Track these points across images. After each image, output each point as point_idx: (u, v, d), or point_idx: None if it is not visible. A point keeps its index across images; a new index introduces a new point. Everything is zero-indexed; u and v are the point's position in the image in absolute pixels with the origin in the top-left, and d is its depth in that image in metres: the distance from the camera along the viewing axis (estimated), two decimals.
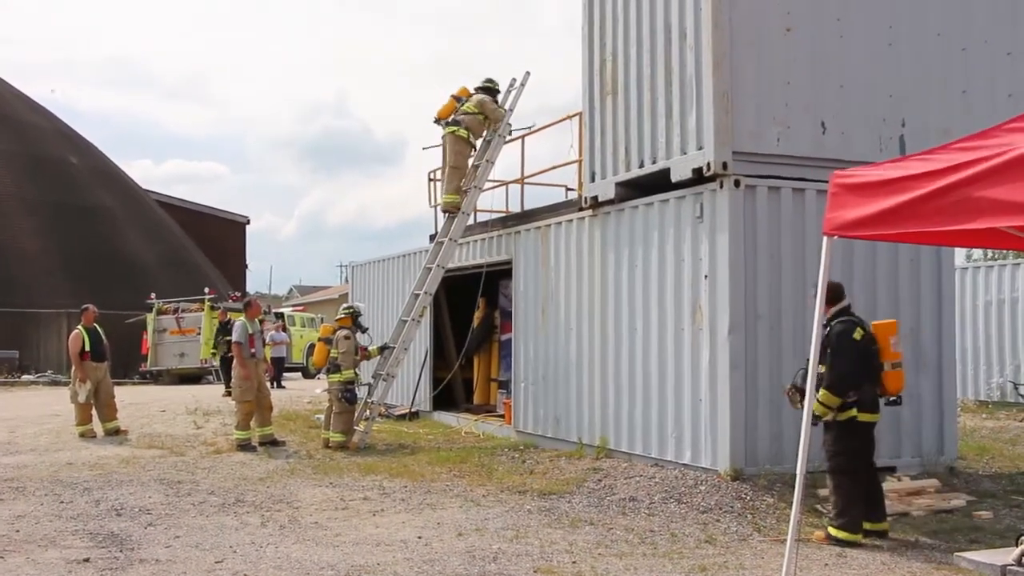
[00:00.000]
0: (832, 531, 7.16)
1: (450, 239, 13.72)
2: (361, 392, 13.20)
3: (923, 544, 7.23)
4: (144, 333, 26.88)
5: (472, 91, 14.35)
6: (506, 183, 15.25)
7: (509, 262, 13.55)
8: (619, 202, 10.76)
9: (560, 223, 12.21)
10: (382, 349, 13.42)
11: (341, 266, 70.38)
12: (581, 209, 11.61)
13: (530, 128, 14.45)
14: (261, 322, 13.75)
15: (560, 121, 13.33)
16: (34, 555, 6.79)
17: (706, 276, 9.29)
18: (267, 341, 16.56)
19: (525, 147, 14.40)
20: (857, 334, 7.14)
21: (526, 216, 13.70)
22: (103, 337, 13.59)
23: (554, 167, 13.82)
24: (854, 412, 7.13)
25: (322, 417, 13.36)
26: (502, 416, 14.34)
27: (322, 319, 29.55)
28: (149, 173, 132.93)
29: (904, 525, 7.80)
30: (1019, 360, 18.24)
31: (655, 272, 10.10)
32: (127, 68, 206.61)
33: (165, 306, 26.91)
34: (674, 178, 9.67)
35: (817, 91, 9.50)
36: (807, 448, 5.57)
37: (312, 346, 23.32)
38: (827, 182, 5.51)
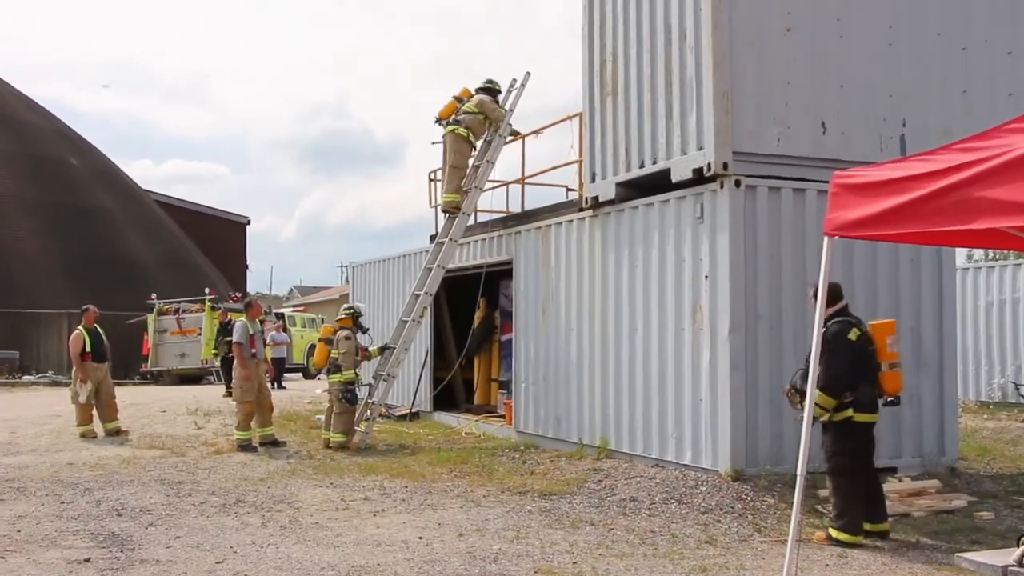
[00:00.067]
0: (833, 532, 7.16)
1: (450, 239, 13.72)
2: (361, 392, 13.20)
3: (924, 545, 7.23)
4: (145, 334, 26.89)
5: (473, 92, 14.36)
6: (506, 183, 15.25)
7: (509, 262, 13.56)
8: (619, 202, 10.76)
9: (560, 223, 12.21)
10: (382, 349, 13.42)
11: (341, 266, 70.46)
12: (581, 209, 11.62)
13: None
14: (262, 323, 13.76)
15: (560, 121, 13.34)
16: (35, 555, 6.79)
17: (706, 276, 9.29)
18: (268, 342, 16.57)
19: (525, 147, 14.43)
20: (853, 334, 7.13)
21: (526, 216, 13.70)
22: (104, 338, 13.60)
23: (554, 167, 13.83)
24: (850, 412, 7.13)
25: (323, 417, 13.36)
26: (502, 416, 14.34)
27: (322, 319, 29.55)
28: (149, 173, 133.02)
29: (905, 526, 7.80)
30: (1020, 360, 18.24)
31: (655, 272, 10.10)
32: (127, 69, 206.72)
33: (166, 307, 26.91)
34: (674, 178, 9.67)
35: (817, 91, 9.50)
36: (808, 448, 5.57)
37: (313, 346, 23.31)
38: (827, 182, 5.51)
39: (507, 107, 14.45)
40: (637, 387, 10.34)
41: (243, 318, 12.78)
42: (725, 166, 9.03)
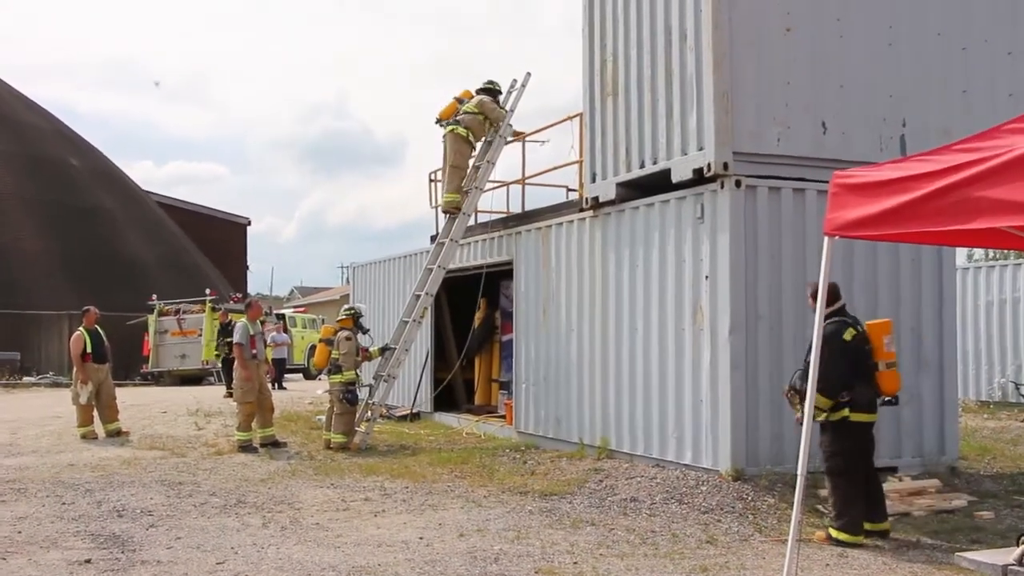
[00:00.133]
0: (833, 532, 7.16)
1: (451, 240, 13.73)
2: (362, 393, 13.21)
3: (924, 544, 7.23)
4: (145, 334, 26.88)
5: (474, 93, 14.38)
6: (507, 184, 15.26)
7: (510, 263, 13.56)
8: (620, 203, 10.77)
9: (561, 224, 12.21)
10: (383, 350, 13.42)
11: (342, 267, 70.48)
12: (582, 210, 11.62)
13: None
14: (262, 323, 13.76)
15: (561, 122, 13.35)
16: (36, 556, 6.79)
17: (707, 276, 9.30)
18: (268, 342, 16.57)
19: (526, 148, 14.44)
20: (848, 335, 7.14)
21: (527, 217, 13.71)
22: (104, 339, 13.61)
23: (555, 168, 13.84)
24: (846, 412, 7.13)
25: (323, 418, 13.37)
26: (503, 417, 14.34)
27: (323, 320, 29.55)
28: (151, 174, 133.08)
29: (905, 525, 7.80)
30: (1020, 360, 18.24)
31: (656, 272, 10.11)
32: (127, 69, 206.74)
33: (166, 307, 26.91)
34: (675, 178, 9.67)
35: (817, 91, 9.50)
36: (808, 448, 5.57)
37: (313, 347, 23.30)
38: (827, 182, 5.51)
39: (507, 107, 14.46)
40: (638, 387, 10.34)
41: (244, 319, 12.79)
42: (725, 166, 9.03)
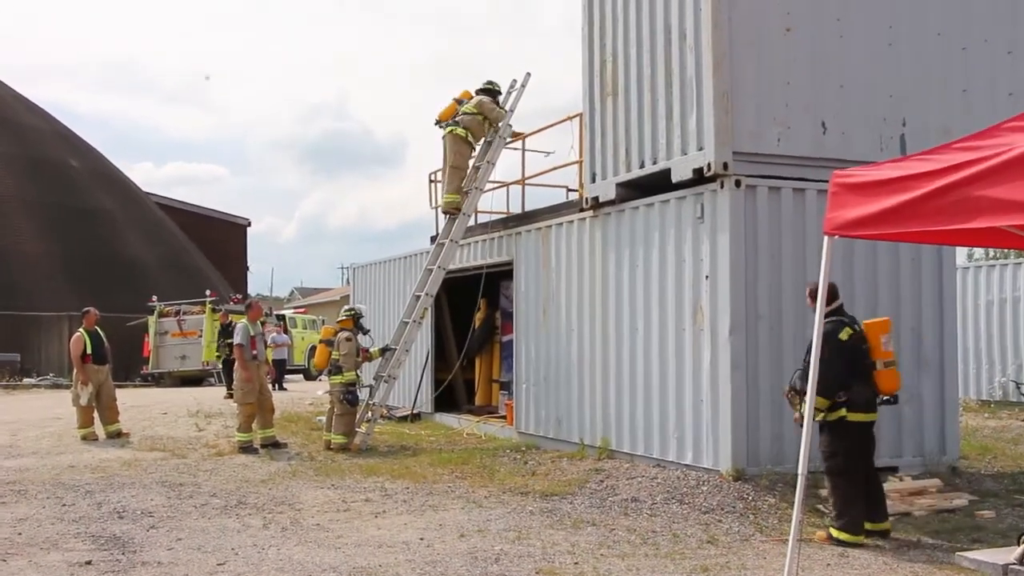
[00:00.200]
0: (834, 532, 7.16)
1: (451, 240, 13.73)
2: (362, 394, 13.21)
3: (925, 544, 7.23)
4: (145, 336, 26.88)
5: (474, 94, 14.38)
6: (507, 184, 15.26)
7: (510, 263, 13.56)
8: (620, 203, 10.77)
9: (561, 224, 12.21)
10: (383, 351, 13.42)
11: (342, 268, 70.51)
12: (582, 210, 11.62)
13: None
14: (263, 324, 13.76)
15: (561, 122, 13.35)
16: (36, 558, 6.79)
17: (707, 276, 9.30)
18: (269, 343, 16.57)
19: (526, 149, 14.43)
20: (844, 334, 7.13)
21: (527, 217, 13.71)
22: (104, 340, 13.61)
23: (555, 168, 13.84)
24: (843, 412, 7.12)
25: (324, 419, 13.37)
26: (504, 417, 14.34)
27: (323, 321, 29.56)
28: (151, 176, 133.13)
29: (906, 525, 7.80)
30: (1021, 359, 18.24)
31: (656, 273, 10.10)
32: (127, 70, 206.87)
33: (166, 308, 26.92)
34: (675, 178, 9.67)
35: (817, 91, 9.50)
36: (808, 448, 5.57)
37: (313, 348, 23.30)
38: (828, 182, 5.50)
39: (507, 108, 14.46)
40: (638, 387, 10.34)
41: (244, 320, 12.79)
42: (725, 166, 9.03)
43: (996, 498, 8.91)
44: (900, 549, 7.05)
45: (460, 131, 13.95)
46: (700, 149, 9.32)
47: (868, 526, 7.18)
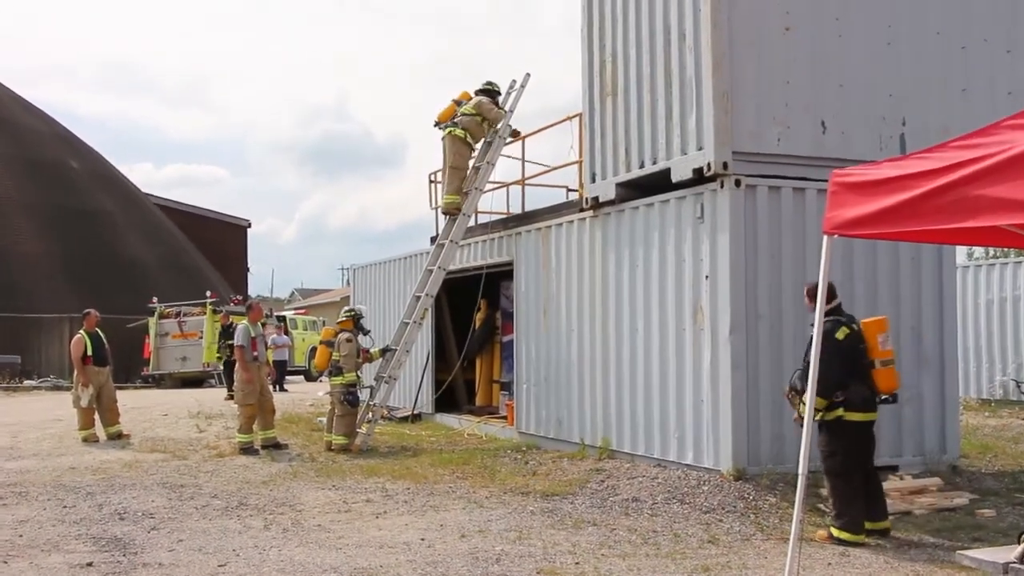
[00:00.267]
0: (834, 531, 7.16)
1: (451, 241, 13.73)
2: (363, 395, 13.21)
3: (925, 543, 7.23)
4: (146, 337, 26.87)
5: (473, 94, 14.39)
6: (507, 184, 15.27)
7: (510, 263, 13.57)
8: (620, 203, 10.77)
9: (561, 224, 12.22)
10: (384, 351, 13.42)
11: (342, 269, 70.43)
12: (582, 210, 11.62)
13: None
14: (263, 325, 13.76)
15: (560, 122, 13.36)
16: (37, 560, 6.80)
17: (707, 276, 9.30)
18: (269, 344, 16.57)
19: (525, 149, 14.45)
20: (840, 334, 7.12)
21: (527, 217, 13.71)
22: (105, 341, 13.62)
23: (555, 168, 13.84)
24: (840, 412, 7.12)
25: (324, 420, 13.37)
26: (504, 418, 14.34)
27: (324, 322, 29.56)
28: (150, 177, 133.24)
29: (907, 524, 7.80)
30: (1021, 358, 18.23)
31: (656, 272, 10.11)
32: (126, 70, 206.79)
33: (167, 310, 26.91)
34: (674, 178, 9.68)
35: (817, 91, 9.51)
36: (809, 447, 5.57)
37: (314, 349, 23.30)
38: (827, 181, 5.50)
39: (507, 108, 14.46)
40: (638, 387, 10.35)
41: (245, 321, 12.79)
42: (725, 166, 9.04)
43: (996, 497, 8.91)
44: (901, 548, 7.06)
45: (459, 132, 13.97)
46: (700, 149, 9.32)
47: (868, 525, 7.18)
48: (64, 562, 6.71)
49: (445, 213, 14.23)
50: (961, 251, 22.47)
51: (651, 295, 10.19)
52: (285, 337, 24.95)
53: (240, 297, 31.22)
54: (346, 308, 13.64)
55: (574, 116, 12.58)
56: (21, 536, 7.55)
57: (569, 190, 14.44)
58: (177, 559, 6.80)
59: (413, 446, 12.87)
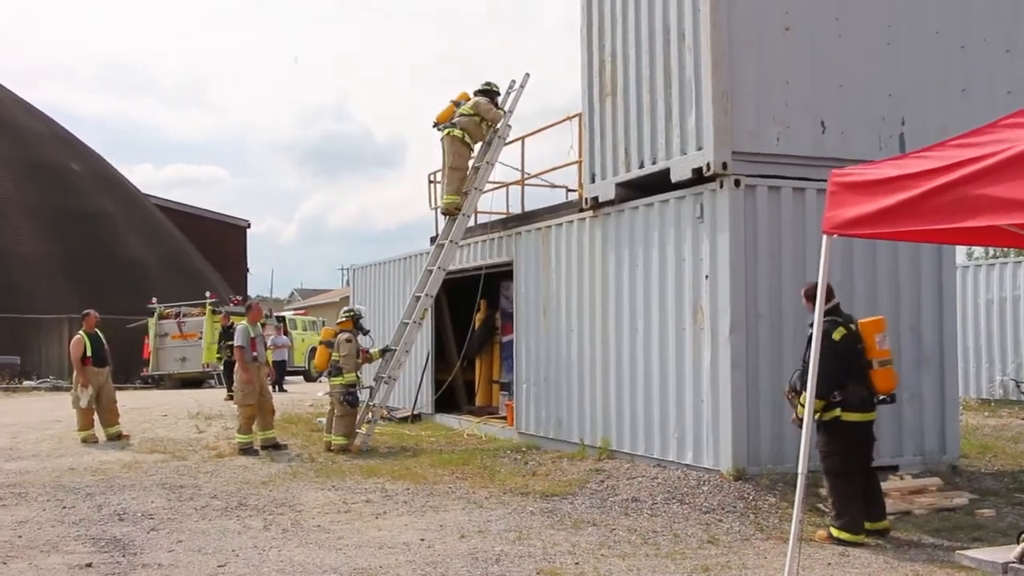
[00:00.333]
0: (834, 531, 7.16)
1: (451, 241, 13.73)
2: (363, 395, 13.21)
3: (925, 543, 7.23)
4: (146, 338, 26.88)
5: (471, 95, 14.39)
6: (506, 184, 15.26)
7: (510, 263, 13.56)
8: (619, 203, 10.77)
9: (560, 224, 12.22)
10: (383, 352, 13.42)
11: (342, 269, 70.43)
12: (581, 210, 11.62)
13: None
14: (263, 326, 13.76)
15: (560, 122, 13.36)
16: (37, 561, 6.79)
17: (707, 276, 9.30)
18: (269, 345, 16.58)
19: (525, 149, 14.45)
20: (837, 334, 7.12)
21: (526, 217, 13.71)
22: (104, 342, 13.61)
23: (554, 168, 13.84)
24: (837, 412, 7.11)
25: (324, 420, 13.36)
26: (504, 418, 14.34)
27: (323, 322, 29.55)
28: (150, 177, 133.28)
29: (906, 524, 7.80)
30: (1021, 358, 18.23)
31: (656, 272, 10.11)
32: (126, 70, 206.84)
33: (166, 310, 26.92)
34: (674, 178, 9.68)
35: (817, 91, 9.50)
36: (808, 447, 5.57)
37: (314, 349, 23.32)
38: (827, 181, 5.50)
39: (506, 108, 14.46)
40: (638, 387, 10.34)
41: (244, 322, 12.78)
42: (724, 166, 9.04)
43: (996, 496, 8.91)
44: (900, 548, 7.06)
45: (457, 132, 13.98)
46: (699, 149, 9.32)
47: (867, 525, 7.18)
48: (63, 563, 6.71)
49: (445, 213, 14.23)
50: (961, 251, 22.51)
51: (651, 295, 10.18)
52: (285, 337, 24.95)
53: (240, 297, 31.23)
54: (345, 308, 13.64)
55: (574, 116, 12.58)
56: (20, 537, 7.54)
57: (569, 190, 14.44)
58: (176, 560, 6.79)
59: (413, 446, 12.87)
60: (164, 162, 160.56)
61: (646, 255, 10.30)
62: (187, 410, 15.89)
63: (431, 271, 13.69)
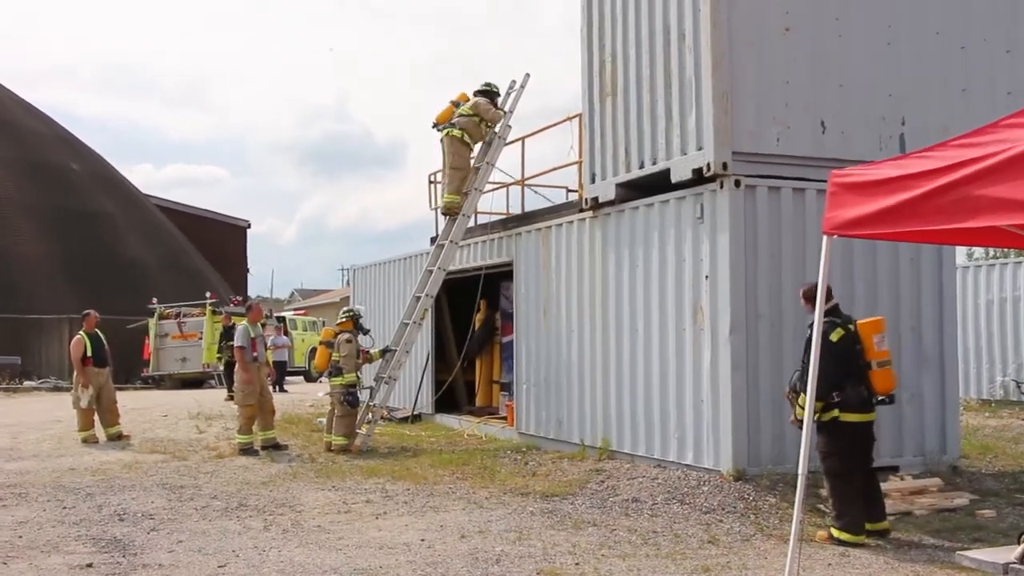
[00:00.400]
0: (835, 532, 7.16)
1: (451, 241, 13.73)
2: (363, 395, 13.21)
3: (926, 543, 7.23)
4: (146, 338, 26.89)
5: (471, 95, 14.39)
6: (506, 185, 15.26)
7: (510, 264, 13.56)
8: (619, 203, 10.77)
9: (561, 224, 12.22)
10: (384, 352, 13.42)
11: (342, 269, 70.49)
12: (582, 210, 11.62)
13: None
14: (263, 326, 13.76)
15: (560, 123, 13.36)
16: (37, 561, 6.79)
17: (707, 276, 9.30)
18: (269, 345, 16.58)
19: (525, 149, 14.46)
20: (835, 335, 7.11)
21: (527, 218, 13.71)
22: (105, 342, 13.61)
23: (554, 168, 13.84)
24: (836, 413, 7.11)
25: (324, 420, 13.36)
26: (504, 418, 14.34)
27: (323, 323, 29.55)
28: (150, 177, 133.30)
29: (907, 524, 7.80)
30: (1021, 358, 18.24)
31: (656, 273, 10.10)
32: (126, 71, 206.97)
33: (167, 311, 26.93)
34: (674, 179, 9.68)
35: (817, 91, 9.51)
36: (809, 448, 5.57)
37: (314, 350, 23.31)
38: (827, 181, 5.49)
39: (506, 108, 14.46)
40: (638, 388, 10.34)
41: (244, 322, 12.78)
42: (725, 166, 9.04)
43: (997, 497, 8.91)
44: (901, 548, 7.06)
45: (456, 133, 13.98)
46: (699, 149, 9.32)
47: (867, 526, 7.18)
48: (64, 563, 6.71)
49: (445, 214, 14.23)
50: (961, 251, 22.49)
51: (651, 295, 10.18)
52: (285, 338, 24.95)
53: (240, 298, 31.24)
54: (345, 309, 13.64)
55: (574, 116, 12.58)
56: (21, 537, 7.54)
57: (569, 191, 14.44)
58: (177, 560, 6.79)
59: (413, 447, 12.87)
60: (164, 162, 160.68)
61: (646, 255, 10.30)
62: (187, 410, 15.90)
63: (431, 271, 13.69)
